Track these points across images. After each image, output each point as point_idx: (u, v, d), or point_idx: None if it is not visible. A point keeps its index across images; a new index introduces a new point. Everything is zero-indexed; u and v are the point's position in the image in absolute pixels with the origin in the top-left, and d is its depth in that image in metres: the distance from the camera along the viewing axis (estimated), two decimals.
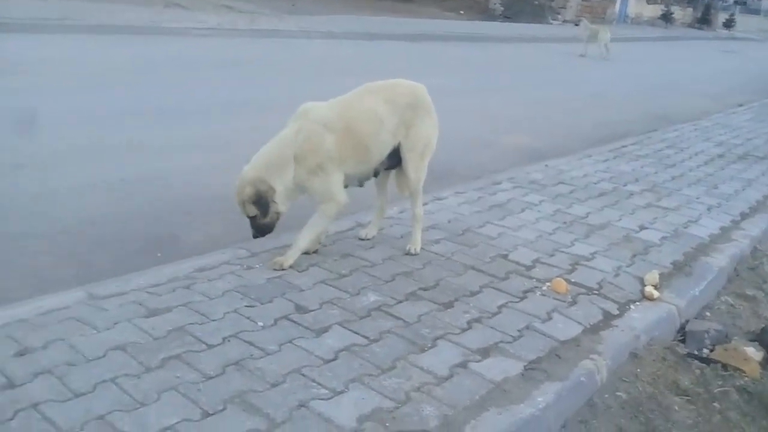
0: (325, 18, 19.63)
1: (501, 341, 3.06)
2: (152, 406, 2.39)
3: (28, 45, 10.98)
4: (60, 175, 5.16)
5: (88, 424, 2.27)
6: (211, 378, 2.59)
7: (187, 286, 3.33)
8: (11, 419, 2.26)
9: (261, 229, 3.65)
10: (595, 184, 5.79)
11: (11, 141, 5.86)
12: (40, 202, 4.64)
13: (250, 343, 2.85)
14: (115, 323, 2.91)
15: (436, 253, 4.00)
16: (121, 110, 7.33)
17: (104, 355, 2.66)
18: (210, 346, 2.80)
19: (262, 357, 2.76)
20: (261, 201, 3.52)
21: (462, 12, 28.90)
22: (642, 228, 4.73)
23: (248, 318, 3.06)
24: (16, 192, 4.77)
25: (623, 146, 7.44)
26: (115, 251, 4.03)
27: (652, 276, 3.84)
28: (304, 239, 3.68)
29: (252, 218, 3.60)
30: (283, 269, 3.60)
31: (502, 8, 30.25)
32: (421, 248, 4.01)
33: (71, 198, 4.76)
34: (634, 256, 4.21)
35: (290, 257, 3.65)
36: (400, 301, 3.36)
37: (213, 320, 3.01)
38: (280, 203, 3.59)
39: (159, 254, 3.95)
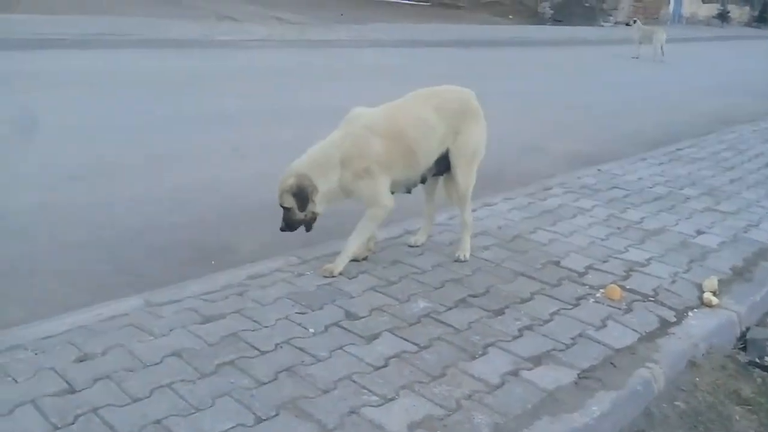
0: (374, 27, 19.74)
1: (553, 349, 3.01)
2: (207, 411, 2.44)
3: (84, 60, 11.36)
4: (115, 186, 5.32)
5: (146, 428, 2.33)
6: (264, 384, 2.63)
7: (240, 293, 3.39)
8: (72, 423, 2.33)
9: (292, 223, 3.66)
10: (650, 188, 5.66)
11: (67, 153, 6.06)
12: (97, 212, 4.79)
13: (302, 350, 2.88)
14: (171, 330, 2.98)
15: (485, 260, 3.98)
16: (174, 121, 7.53)
17: (161, 361, 2.73)
18: (262, 353, 2.84)
19: (313, 363, 2.79)
20: (301, 194, 3.54)
21: (511, 17, 28.68)
22: (699, 233, 4.60)
23: (299, 324, 3.10)
24: (74, 203, 4.93)
25: (679, 149, 7.26)
26: (170, 260, 4.13)
27: (711, 282, 3.73)
28: (352, 245, 3.71)
29: (286, 210, 3.62)
30: (333, 276, 3.63)
31: (551, 11, 29.89)
32: (471, 255, 3.99)
33: (127, 208, 4.90)
34: (692, 261, 4.09)
35: (340, 264, 3.68)
36: (450, 308, 3.35)
37: (265, 327, 3.06)
38: (319, 204, 3.61)
39: (213, 262, 4.02)
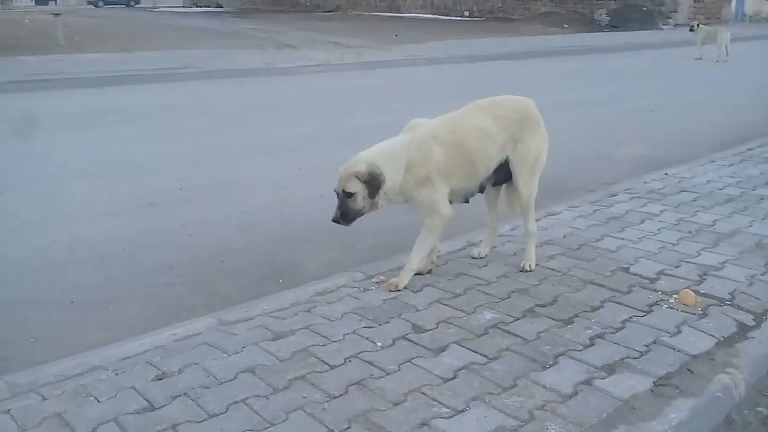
0: (428, 45, 19.88)
1: (627, 357, 2.95)
2: (281, 425, 2.49)
3: (156, 93, 11.88)
4: (189, 212, 5.52)
5: None
6: (335, 398, 2.66)
7: (308, 309, 3.45)
8: None
9: (349, 212, 3.54)
10: (721, 190, 5.48)
11: (144, 182, 6.34)
12: (173, 237, 4.98)
13: (370, 363, 2.91)
14: (244, 347, 3.06)
15: (552, 269, 3.93)
16: (241, 147, 7.76)
17: (235, 378, 2.80)
18: (332, 367, 2.88)
19: (382, 377, 2.81)
20: (373, 182, 3.48)
21: (566, 26, 28.37)
22: None
23: (367, 339, 3.13)
24: (151, 229, 5.14)
25: (749, 149, 7.01)
26: (242, 279, 4.25)
27: None
28: (415, 258, 3.73)
29: (347, 196, 3.51)
30: (398, 290, 3.66)
31: (608, 18, 29.41)
32: (536, 264, 3.95)
33: (200, 232, 5.07)
34: None
35: (404, 277, 3.70)
36: (517, 319, 3.32)
37: (334, 341, 3.10)
38: (381, 200, 3.58)
39: (281, 281, 4.12)
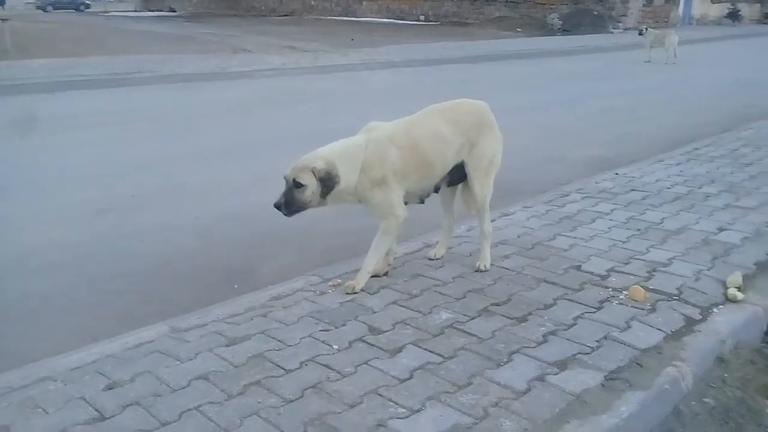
0: (384, 49, 19.95)
1: (579, 353, 3.00)
2: None
3: (108, 98, 11.65)
4: (141, 218, 5.43)
5: None
6: (290, 402, 2.65)
7: (264, 314, 3.42)
8: None
9: (294, 203, 3.48)
10: (669, 188, 5.63)
11: (93, 189, 6.21)
12: (124, 244, 4.89)
13: (327, 366, 2.90)
14: (197, 353, 3.02)
15: (506, 269, 3.98)
16: (198, 152, 7.66)
17: (188, 385, 2.77)
18: (288, 371, 2.87)
19: (338, 379, 2.80)
20: (329, 181, 3.45)
21: (520, 30, 28.81)
22: (721, 230, 4.56)
23: (323, 342, 3.12)
24: (101, 236, 5.04)
25: (696, 148, 7.22)
26: (195, 286, 4.20)
27: (735, 278, 3.69)
28: (371, 260, 3.73)
29: (297, 188, 3.46)
30: (355, 293, 3.66)
31: (560, 22, 29.95)
32: (491, 264, 3.99)
33: (152, 239, 4.99)
34: (715, 258, 4.06)
35: (361, 280, 3.70)
36: (473, 318, 3.35)
37: (290, 346, 3.09)
38: (330, 198, 3.55)
39: (236, 286, 4.08)
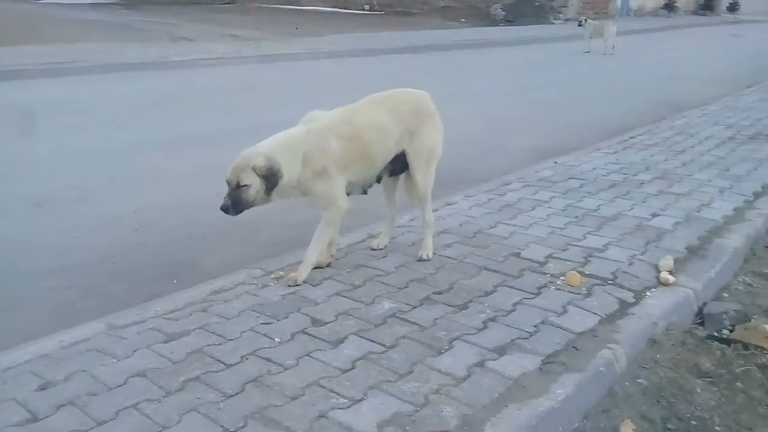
0: (329, 38, 19.82)
1: (517, 338, 3.06)
2: (174, 428, 2.43)
3: (44, 89, 11.23)
4: (78, 212, 5.27)
5: None
6: (231, 396, 2.62)
7: (204, 309, 3.38)
8: None
9: (241, 203, 3.44)
10: (605, 176, 5.78)
11: (29, 182, 6.01)
12: (61, 238, 4.75)
13: (268, 360, 2.89)
14: (135, 350, 2.96)
15: (448, 257, 4.02)
16: (135, 144, 7.47)
17: (125, 383, 2.71)
18: (229, 366, 2.84)
19: (280, 372, 2.79)
20: (271, 177, 3.41)
21: (463, 20, 29.00)
22: (654, 215, 4.71)
23: (265, 335, 3.10)
24: (37, 231, 4.88)
25: (632, 137, 7.42)
26: (133, 281, 4.11)
27: (667, 262, 3.82)
28: (313, 252, 3.72)
29: (238, 188, 3.41)
30: (297, 284, 3.64)
31: (503, 13, 30.28)
32: (434, 253, 4.03)
33: (90, 233, 4.86)
34: (648, 243, 4.19)
35: (303, 271, 3.69)
36: (415, 307, 3.38)
37: (230, 340, 3.05)
38: (275, 194, 3.51)
39: (175, 281, 4.01)
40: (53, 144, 7.46)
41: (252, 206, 3.52)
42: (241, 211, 3.51)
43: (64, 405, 2.56)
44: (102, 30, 20.01)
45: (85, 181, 6.07)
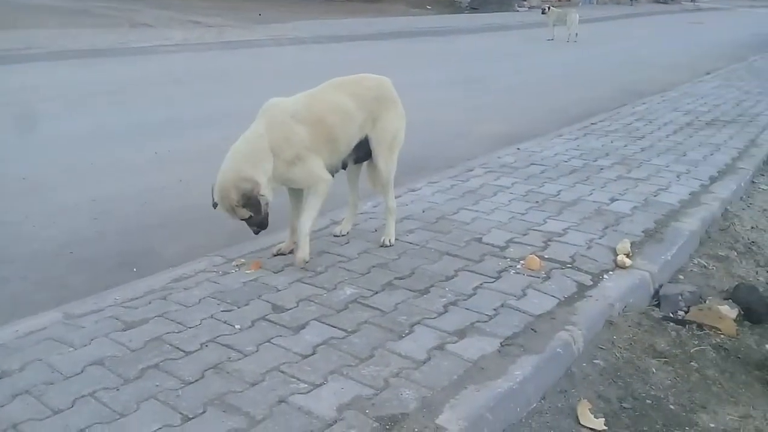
0: (293, 24, 19.64)
1: (477, 321, 3.09)
2: (132, 416, 2.41)
3: None
4: (33, 202, 5.16)
5: None
6: (190, 383, 2.60)
7: (164, 297, 3.34)
8: None
9: (260, 225, 3.61)
10: (566, 162, 5.85)
11: None
12: (14, 228, 4.65)
13: (228, 347, 2.87)
14: (92, 339, 2.92)
15: (410, 243, 4.03)
16: (94, 132, 7.34)
17: (82, 371, 2.67)
18: (188, 353, 2.82)
19: (240, 359, 2.78)
20: (251, 201, 3.46)
21: (429, 7, 28.98)
22: (613, 200, 4.79)
23: (225, 322, 3.08)
24: None
25: (593, 123, 7.52)
26: (92, 270, 4.04)
27: (624, 245, 3.89)
28: (306, 224, 3.67)
29: (247, 219, 3.55)
30: (306, 262, 3.65)
31: (468, 0, 30.35)
32: (396, 239, 4.04)
33: (46, 222, 4.76)
34: (606, 228, 4.26)
35: (304, 247, 3.68)
36: (377, 292, 3.39)
37: (190, 327, 3.03)
38: (267, 193, 3.53)
39: (134, 269, 3.96)
40: (5, 132, 7.28)
41: (267, 216, 3.59)
42: (267, 224, 3.64)
43: (20, 394, 2.52)
44: (59, 16, 19.49)
45: (40, 169, 5.94)
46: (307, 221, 3.69)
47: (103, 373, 2.66)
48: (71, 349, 2.85)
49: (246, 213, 3.52)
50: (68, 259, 4.21)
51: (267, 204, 3.57)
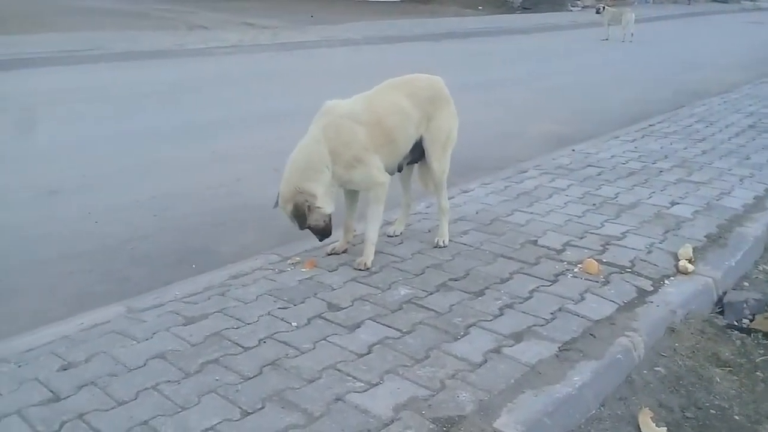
0: (345, 26, 19.75)
1: (534, 325, 3.05)
2: (193, 409, 2.45)
3: (59, 77, 11.31)
4: (96, 199, 5.31)
5: (132, 430, 2.34)
6: (249, 379, 2.64)
7: (222, 293, 3.40)
8: (58, 430, 2.34)
9: (321, 233, 3.70)
10: (624, 164, 5.73)
11: (45, 170, 6.06)
12: (78, 225, 4.78)
13: (285, 343, 2.90)
14: (154, 333, 2.99)
15: (464, 244, 4.01)
16: (153, 131, 7.52)
17: (145, 364, 2.74)
18: (246, 349, 2.86)
19: (297, 356, 2.81)
20: (305, 213, 3.54)
21: (481, 8, 28.77)
22: (673, 204, 4.67)
23: (282, 319, 3.11)
24: (54, 217, 4.92)
25: (651, 125, 7.35)
26: (152, 266, 4.14)
27: (686, 250, 3.79)
28: (372, 232, 3.73)
29: (310, 228, 3.65)
30: (367, 268, 3.67)
31: (520, 0, 30.02)
32: (450, 240, 4.02)
33: (108, 219, 4.89)
34: (667, 232, 4.16)
35: (369, 253, 3.72)
36: (431, 293, 3.38)
37: (248, 324, 3.07)
38: (325, 206, 3.59)
39: (194, 265, 4.03)
40: (68, 132, 7.53)
41: (328, 226, 3.69)
42: (330, 231, 3.73)
43: (85, 385, 2.60)
44: (119, 18, 20.08)
45: (101, 168, 6.11)
46: (373, 230, 3.74)
47: (165, 367, 2.72)
48: (134, 342, 2.92)
49: (303, 223, 3.59)
50: (130, 254, 4.33)
51: (328, 215, 3.63)
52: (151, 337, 2.96)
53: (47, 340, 2.94)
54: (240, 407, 2.46)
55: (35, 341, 2.94)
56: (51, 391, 2.56)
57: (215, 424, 2.37)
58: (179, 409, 2.44)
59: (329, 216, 3.65)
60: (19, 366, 2.75)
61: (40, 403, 2.49)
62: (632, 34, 18.41)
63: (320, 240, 3.77)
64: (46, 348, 2.88)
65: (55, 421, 2.38)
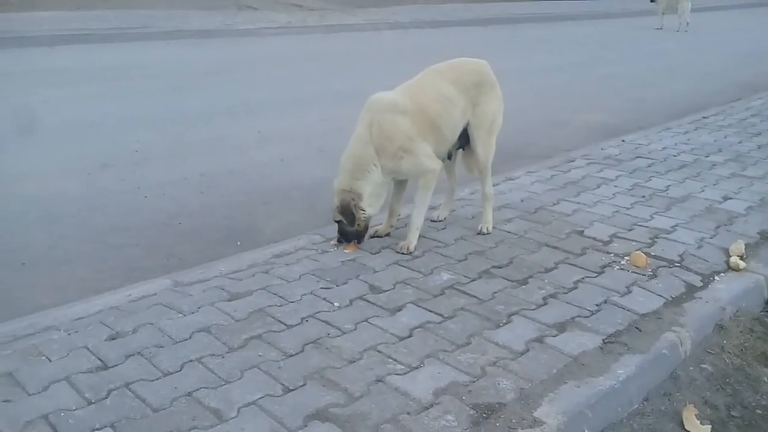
0: (392, 9, 19.68)
1: (578, 316, 3.01)
2: (236, 383, 2.49)
3: (111, 53, 11.54)
4: (145, 174, 5.42)
5: (177, 400, 2.38)
6: (291, 356, 2.67)
7: (266, 271, 3.44)
8: (105, 398, 2.40)
9: (345, 234, 3.72)
10: (675, 156, 5.59)
11: (97, 144, 6.21)
12: (128, 198, 4.89)
13: (327, 323, 2.92)
14: (199, 307, 3.04)
15: (508, 232, 3.97)
16: (200, 110, 7.62)
17: (190, 337, 2.79)
18: (289, 326, 2.89)
19: (339, 336, 2.82)
20: (345, 211, 3.61)
21: None
22: (726, 198, 4.55)
23: (324, 299, 3.14)
24: (105, 190, 5.04)
25: (704, 117, 7.16)
26: (198, 241, 4.21)
27: (738, 246, 3.68)
28: (418, 218, 3.74)
29: (338, 222, 3.70)
30: (410, 252, 3.68)
31: None
32: (493, 227, 3.99)
33: (156, 194, 4.99)
34: (718, 227, 4.05)
35: (412, 239, 3.72)
36: (474, 280, 3.36)
37: (291, 302, 3.10)
38: (369, 206, 3.64)
39: (239, 243, 4.09)
40: (119, 107, 7.70)
41: (361, 231, 3.73)
42: (352, 239, 3.75)
43: (132, 355, 2.66)
44: None
45: (151, 144, 6.22)
46: (419, 215, 3.74)
47: (209, 340, 2.77)
48: (180, 315, 2.98)
49: (352, 222, 3.65)
50: (177, 229, 4.40)
51: (368, 218, 3.68)
52: (197, 311, 3.01)
53: (96, 310, 3.02)
54: (282, 383, 2.49)
55: (85, 310, 3.02)
56: (99, 360, 2.63)
57: (257, 399, 2.40)
58: (222, 383, 2.49)
59: (368, 219, 3.70)
60: (69, 334, 2.82)
61: (88, 370, 2.56)
62: (687, 24, 17.91)
63: (339, 241, 3.76)
64: (95, 317, 2.95)
65: (103, 388, 2.44)
